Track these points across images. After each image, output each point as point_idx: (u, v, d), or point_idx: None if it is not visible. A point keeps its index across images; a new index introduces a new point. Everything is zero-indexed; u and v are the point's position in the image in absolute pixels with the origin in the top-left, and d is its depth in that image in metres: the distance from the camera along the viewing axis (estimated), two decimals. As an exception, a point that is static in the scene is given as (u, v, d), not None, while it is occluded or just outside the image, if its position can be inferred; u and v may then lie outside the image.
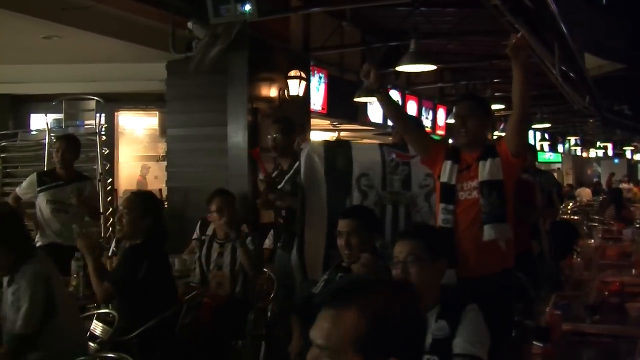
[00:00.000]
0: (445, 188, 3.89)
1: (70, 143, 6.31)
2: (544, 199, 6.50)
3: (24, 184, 6.32)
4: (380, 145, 4.82)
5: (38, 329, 3.34)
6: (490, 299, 3.58)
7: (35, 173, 6.40)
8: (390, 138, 6.15)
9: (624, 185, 20.88)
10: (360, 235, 3.58)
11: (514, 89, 3.70)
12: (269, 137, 5.51)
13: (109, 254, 6.09)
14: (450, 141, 4.72)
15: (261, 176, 5.47)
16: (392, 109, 4.04)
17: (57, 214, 6.11)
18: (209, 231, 5.66)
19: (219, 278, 5.08)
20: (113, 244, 6.24)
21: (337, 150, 4.73)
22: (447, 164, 3.90)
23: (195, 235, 6.81)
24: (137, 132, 12.23)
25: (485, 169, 3.78)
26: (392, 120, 4.15)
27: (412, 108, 13.85)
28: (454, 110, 4.06)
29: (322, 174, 4.59)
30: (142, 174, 12.17)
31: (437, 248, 2.97)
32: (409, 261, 2.87)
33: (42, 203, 6.14)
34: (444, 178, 3.90)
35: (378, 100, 4.03)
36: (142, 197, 4.62)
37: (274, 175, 5.45)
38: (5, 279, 3.52)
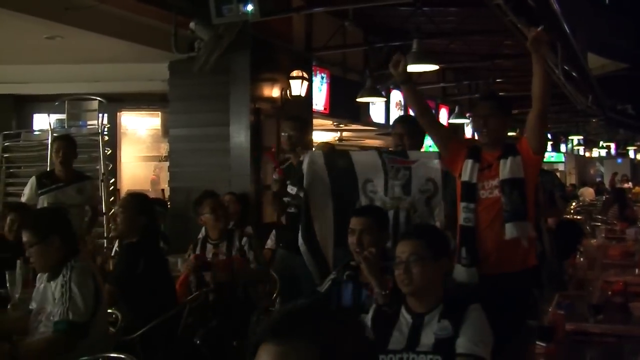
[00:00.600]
0: (467, 187, 3.89)
1: (69, 142, 6.29)
2: (546, 198, 6.49)
3: (26, 190, 6.23)
4: (379, 151, 4.82)
5: (90, 319, 3.46)
6: (509, 296, 3.61)
7: (34, 177, 6.31)
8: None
9: (585, 190, 20.61)
10: (372, 234, 3.58)
11: (534, 84, 3.71)
12: (283, 134, 5.50)
13: (112, 254, 6.09)
14: (469, 135, 4.70)
15: (276, 176, 5.46)
16: (418, 102, 4.04)
17: None
18: (201, 233, 5.67)
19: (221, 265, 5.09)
20: (116, 244, 6.24)
21: (337, 159, 4.73)
22: (468, 163, 3.90)
23: (200, 235, 6.80)
24: (140, 132, 12.24)
25: (506, 167, 3.79)
26: (416, 114, 4.12)
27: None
28: (474, 110, 4.04)
29: (327, 181, 4.59)
30: (155, 174, 12.18)
31: (439, 247, 2.99)
32: (411, 261, 2.88)
33: (42, 205, 6.07)
34: (465, 177, 3.90)
35: (405, 91, 4.07)
36: (136, 197, 4.80)
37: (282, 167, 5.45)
38: (44, 276, 3.65)
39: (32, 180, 6.23)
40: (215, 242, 5.23)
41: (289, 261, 5.10)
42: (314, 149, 5.55)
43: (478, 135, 4.01)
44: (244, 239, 5.15)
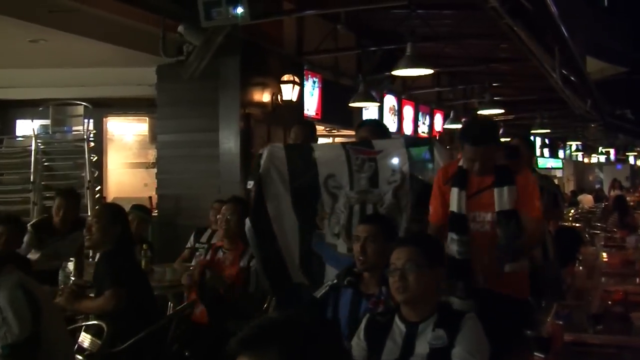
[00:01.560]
0: (456, 218, 3.83)
1: (71, 200, 6.00)
2: (550, 200, 6.51)
3: (24, 246, 5.63)
4: (343, 144, 4.77)
5: (33, 331, 3.37)
6: (506, 308, 3.61)
7: (30, 230, 5.77)
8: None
9: (584, 197, 20.27)
10: (376, 243, 3.51)
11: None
12: (290, 139, 5.51)
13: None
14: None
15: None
16: None
17: (45, 260, 5.77)
18: (204, 238, 5.59)
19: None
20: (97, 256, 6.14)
21: (299, 153, 4.68)
22: (454, 192, 3.84)
23: (189, 244, 6.79)
24: (127, 138, 12.22)
25: (503, 198, 3.74)
26: None
27: (408, 113, 13.88)
28: (464, 147, 3.84)
29: (287, 178, 4.52)
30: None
31: (434, 255, 2.99)
32: (407, 268, 2.88)
33: (33, 255, 5.74)
34: (453, 207, 3.85)
35: None
36: (110, 207, 4.94)
37: None
38: None
39: (30, 234, 5.75)
40: (226, 251, 5.05)
41: None
42: (294, 128, 5.46)
43: (469, 168, 3.84)
44: (253, 261, 4.82)
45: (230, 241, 5.02)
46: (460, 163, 3.91)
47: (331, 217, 4.45)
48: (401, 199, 4.33)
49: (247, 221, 4.51)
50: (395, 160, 4.41)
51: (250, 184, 5.07)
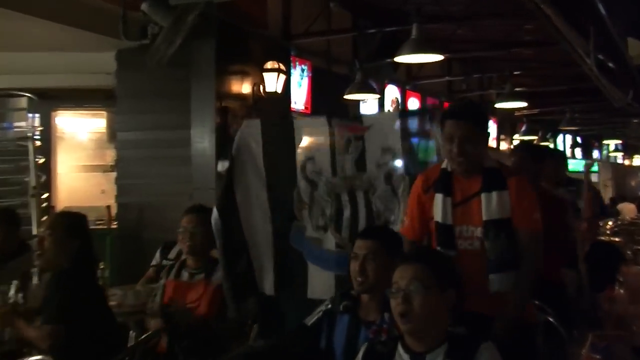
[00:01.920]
0: (442, 229, 3.83)
1: (10, 227, 5.88)
2: (599, 202, 6.52)
3: None
4: (328, 118, 4.71)
5: None
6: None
7: None
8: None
9: (624, 206, 20.06)
10: (377, 261, 3.48)
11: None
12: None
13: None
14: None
15: None
16: None
17: None
18: (172, 254, 5.56)
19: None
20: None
21: (277, 130, 4.71)
22: (439, 199, 3.84)
23: (154, 262, 6.79)
24: (80, 136, 12.18)
25: (491, 206, 3.73)
26: None
27: (414, 106, 13.89)
28: (442, 127, 3.87)
29: (260, 159, 4.56)
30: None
31: (445, 274, 2.97)
32: (412, 289, 2.87)
33: None
34: (437, 217, 3.84)
35: None
36: (67, 216, 4.76)
37: None
38: None
39: None
40: (194, 271, 4.93)
41: None
42: None
43: (450, 162, 3.86)
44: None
45: (197, 259, 4.88)
46: (444, 165, 3.91)
47: (312, 208, 4.47)
48: (397, 184, 4.32)
49: (214, 210, 4.52)
50: (384, 138, 4.39)
51: (223, 166, 5.05)
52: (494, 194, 3.72)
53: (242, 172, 4.54)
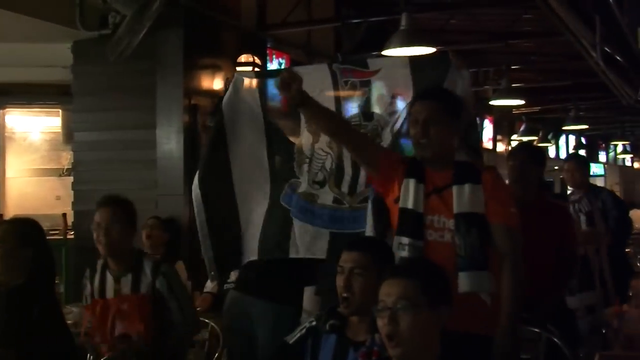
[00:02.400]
0: (410, 217, 3.83)
1: None
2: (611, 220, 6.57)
3: None
4: (330, 64, 4.68)
5: None
6: None
7: None
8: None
9: (634, 213, 19.96)
10: (366, 276, 3.38)
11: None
12: None
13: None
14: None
15: None
16: (327, 123, 4.04)
17: None
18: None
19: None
20: None
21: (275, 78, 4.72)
22: (410, 184, 3.84)
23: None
24: (33, 136, 12.17)
25: (463, 197, 3.74)
26: (330, 136, 4.13)
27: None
28: (410, 111, 3.98)
29: (259, 113, 4.60)
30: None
31: (437, 290, 2.92)
32: (399, 308, 2.82)
33: None
34: (406, 203, 3.83)
35: (305, 115, 4.07)
36: (19, 223, 4.69)
37: None
38: None
39: None
40: (118, 274, 4.75)
41: (243, 307, 4.97)
42: None
43: (415, 147, 3.91)
44: (160, 279, 4.66)
45: (117, 261, 4.74)
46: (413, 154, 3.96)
47: (312, 162, 4.48)
48: (400, 139, 4.33)
49: (195, 179, 4.54)
50: (394, 83, 4.40)
51: (211, 120, 5.02)
52: (467, 187, 3.74)
53: (236, 129, 4.56)
